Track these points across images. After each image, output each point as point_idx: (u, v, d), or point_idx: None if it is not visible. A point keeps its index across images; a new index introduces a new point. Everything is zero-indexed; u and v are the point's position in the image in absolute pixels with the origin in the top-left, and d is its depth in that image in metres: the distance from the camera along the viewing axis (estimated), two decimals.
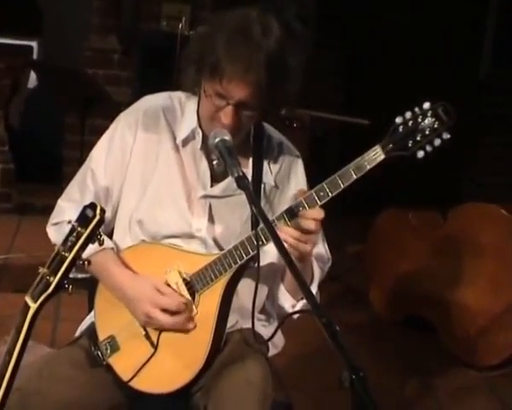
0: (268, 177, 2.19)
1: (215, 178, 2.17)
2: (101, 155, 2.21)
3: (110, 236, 2.23)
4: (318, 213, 1.97)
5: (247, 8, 2.02)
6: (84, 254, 1.60)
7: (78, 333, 2.28)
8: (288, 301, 2.17)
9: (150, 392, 2.08)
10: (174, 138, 2.17)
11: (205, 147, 2.14)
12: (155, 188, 2.16)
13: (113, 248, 2.17)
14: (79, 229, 1.53)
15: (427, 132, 1.94)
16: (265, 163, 2.20)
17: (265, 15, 2.01)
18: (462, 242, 4.16)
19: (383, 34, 6.43)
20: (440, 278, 4.21)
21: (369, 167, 1.96)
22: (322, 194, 1.97)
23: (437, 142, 1.95)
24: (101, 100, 4.54)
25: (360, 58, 6.55)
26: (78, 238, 1.54)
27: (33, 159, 5.73)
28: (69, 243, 1.54)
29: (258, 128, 2.20)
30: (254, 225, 2.01)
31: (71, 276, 2.11)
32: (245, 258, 2.02)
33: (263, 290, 2.22)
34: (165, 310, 2.03)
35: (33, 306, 1.58)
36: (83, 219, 1.55)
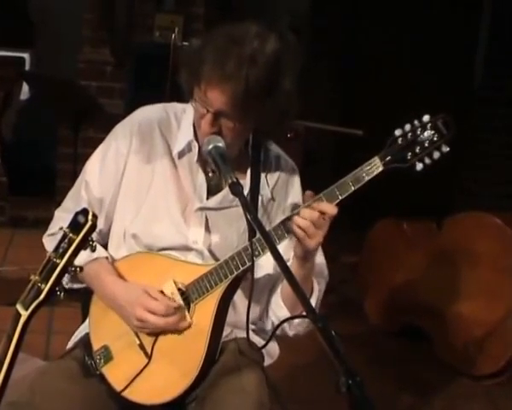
0: (265, 189, 2.19)
1: (211, 191, 2.16)
2: (95, 166, 2.21)
3: (105, 248, 2.22)
4: (331, 209, 1.97)
5: (249, 23, 2.01)
6: (77, 263, 1.59)
7: (71, 344, 2.27)
8: (285, 314, 2.15)
9: (143, 403, 2.06)
10: (170, 151, 2.16)
11: (201, 159, 2.13)
12: (151, 201, 2.15)
13: (107, 258, 2.16)
14: (71, 235, 1.52)
15: (426, 145, 1.96)
16: (263, 175, 2.19)
17: (266, 33, 1.99)
18: (457, 251, 4.16)
19: (378, 47, 6.44)
20: (436, 287, 4.20)
21: (367, 179, 1.97)
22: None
23: (436, 155, 1.97)
24: (94, 112, 4.52)
25: (354, 70, 6.56)
26: (69, 245, 1.52)
27: (26, 172, 5.71)
28: (61, 250, 1.53)
29: (255, 140, 2.19)
30: (250, 235, 2.00)
31: (66, 287, 2.12)
32: (241, 268, 2.01)
33: (259, 302, 2.20)
34: (155, 313, 2.02)
35: (24, 314, 1.56)
36: (75, 226, 1.53)
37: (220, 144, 1.97)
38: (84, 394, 2.05)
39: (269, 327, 2.23)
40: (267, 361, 2.27)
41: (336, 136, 5.84)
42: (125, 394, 2.06)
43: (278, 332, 2.14)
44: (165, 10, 5.49)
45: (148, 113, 2.22)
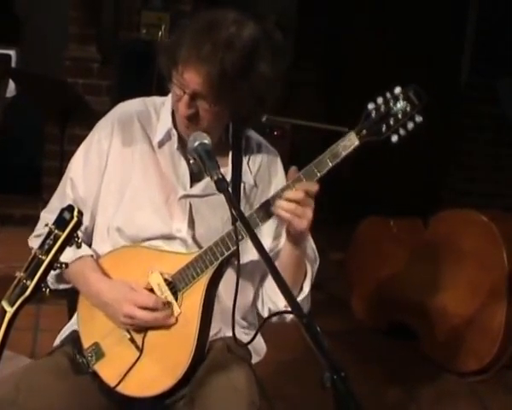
0: (247, 176, 2.20)
1: (194, 178, 2.18)
2: (79, 163, 2.22)
3: (91, 245, 2.22)
4: (312, 186, 1.98)
5: (227, 9, 2.04)
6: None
7: (58, 341, 2.27)
8: (281, 302, 2.14)
9: (138, 396, 2.06)
10: (150, 142, 2.18)
11: (181, 147, 2.15)
12: (133, 192, 2.16)
13: (92, 256, 2.16)
14: (56, 231, 1.52)
15: (399, 116, 1.98)
16: (245, 162, 2.21)
17: (244, 19, 2.02)
18: (443, 248, 4.18)
19: (364, 45, 6.45)
20: (422, 284, 4.22)
21: (344, 154, 1.99)
22: None
23: (410, 125, 1.98)
24: (81, 109, 4.51)
25: (341, 68, 6.57)
26: (55, 241, 1.52)
27: (12, 169, 5.69)
28: (46, 246, 1.53)
29: (236, 128, 2.21)
30: (234, 221, 2.00)
31: (52, 288, 2.12)
32: (225, 254, 2.02)
33: (247, 289, 2.21)
34: (143, 308, 2.02)
35: (10, 310, 1.56)
36: (60, 222, 1.54)
37: (206, 141, 1.98)
38: (71, 390, 2.05)
39: (265, 314, 2.23)
40: (254, 359, 2.28)
41: (323, 133, 5.85)
42: (119, 388, 2.06)
43: (276, 319, 2.15)
44: (151, 8, 5.48)
45: (127, 107, 2.24)
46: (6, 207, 5.66)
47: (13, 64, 5.34)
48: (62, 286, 2.22)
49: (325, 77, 6.59)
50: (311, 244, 2.23)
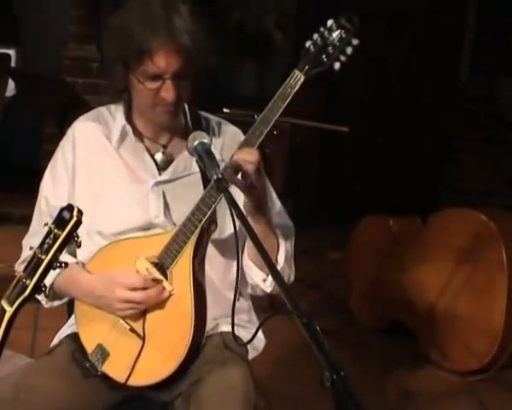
0: (214, 152, 2.22)
1: (161, 168, 2.23)
2: (48, 182, 2.27)
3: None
4: (251, 151, 2.00)
5: None
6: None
7: (56, 341, 2.27)
8: (258, 276, 2.16)
9: (149, 384, 2.07)
10: (110, 142, 2.23)
11: (139, 140, 2.21)
12: (106, 193, 2.20)
13: (78, 263, 2.18)
14: (56, 231, 1.52)
15: (337, 44, 2.04)
16: None
17: None
18: (442, 247, 4.17)
19: (362, 45, 6.44)
20: (421, 283, 4.22)
21: (293, 92, 2.03)
22: (257, 133, 2.03)
23: (349, 50, 2.05)
24: (80, 109, 4.51)
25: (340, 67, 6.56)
26: (54, 240, 1.52)
27: (11, 168, 5.70)
28: (46, 246, 1.53)
29: (192, 111, 2.26)
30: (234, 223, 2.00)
31: (47, 306, 2.13)
32: (203, 219, 2.03)
33: (233, 265, 2.20)
34: (134, 289, 2.04)
35: (9, 309, 1.56)
36: (59, 221, 1.53)
37: (205, 140, 2.00)
38: (70, 389, 2.06)
39: (248, 290, 2.27)
40: (252, 354, 2.29)
41: (323, 132, 5.86)
42: (130, 382, 2.07)
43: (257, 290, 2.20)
44: None
45: (84, 117, 2.29)
46: (5, 206, 5.66)
47: (12, 63, 5.36)
48: (56, 303, 2.25)
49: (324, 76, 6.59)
50: (285, 215, 2.26)
